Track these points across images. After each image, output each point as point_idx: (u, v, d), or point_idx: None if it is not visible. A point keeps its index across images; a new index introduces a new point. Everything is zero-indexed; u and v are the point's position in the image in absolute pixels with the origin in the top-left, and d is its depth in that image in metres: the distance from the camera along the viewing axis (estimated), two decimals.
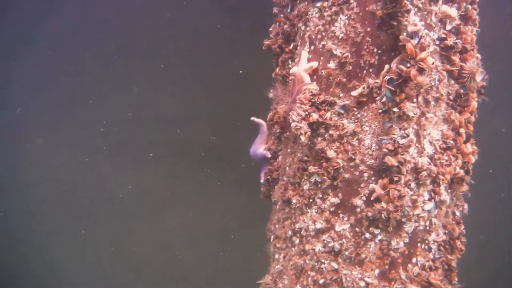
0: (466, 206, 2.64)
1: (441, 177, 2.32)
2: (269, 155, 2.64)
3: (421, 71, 2.12)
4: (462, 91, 2.42)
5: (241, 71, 4.50)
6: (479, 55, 2.51)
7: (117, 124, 4.75)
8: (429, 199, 2.33)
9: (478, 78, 2.39)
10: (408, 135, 2.22)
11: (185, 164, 4.77)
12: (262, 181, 2.70)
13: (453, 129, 2.43)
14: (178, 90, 4.65)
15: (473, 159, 2.48)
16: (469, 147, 2.50)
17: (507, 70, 4.41)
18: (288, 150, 2.52)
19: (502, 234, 4.79)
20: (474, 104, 2.50)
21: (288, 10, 2.55)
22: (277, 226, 2.62)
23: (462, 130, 2.45)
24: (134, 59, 4.66)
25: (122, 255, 4.85)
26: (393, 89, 2.15)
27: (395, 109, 2.17)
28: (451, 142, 2.40)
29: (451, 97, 2.41)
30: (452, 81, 2.41)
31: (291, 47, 2.55)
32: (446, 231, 2.50)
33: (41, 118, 4.89)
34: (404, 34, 2.14)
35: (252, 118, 2.74)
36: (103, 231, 4.87)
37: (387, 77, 2.17)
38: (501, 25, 4.25)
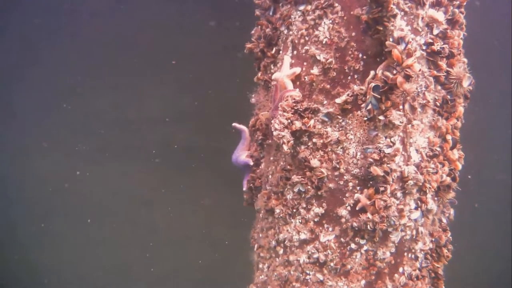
0: (452, 212, 2.58)
1: (427, 185, 2.24)
2: (252, 163, 2.54)
3: (407, 78, 2.03)
4: (448, 97, 2.34)
5: (226, 71, 4.39)
6: (465, 60, 2.43)
7: (102, 126, 4.61)
8: (416, 208, 2.26)
9: (465, 83, 2.31)
10: (394, 144, 2.14)
11: (171, 165, 4.66)
12: (244, 189, 2.60)
13: (439, 135, 2.36)
14: (163, 91, 4.53)
15: (459, 165, 2.41)
16: (455, 154, 2.42)
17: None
18: (271, 158, 2.43)
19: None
20: (460, 109, 2.43)
21: (271, 13, 2.44)
22: (260, 235, 2.53)
23: (449, 137, 2.38)
24: (119, 60, 4.52)
25: (107, 255, 4.74)
26: (379, 96, 2.06)
27: (381, 117, 2.09)
28: (438, 149, 2.32)
29: (437, 103, 2.33)
30: (439, 87, 2.33)
31: (273, 51, 2.44)
32: (433, 239, 2.44)
33: (27, 119, 4.74)
34: (390, 39, 2.05)
35: (233, 124, 2.64)
36: (88, 232, 4.75)
37: (372, 84, 2.08)
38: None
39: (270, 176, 2.42)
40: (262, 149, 2.53)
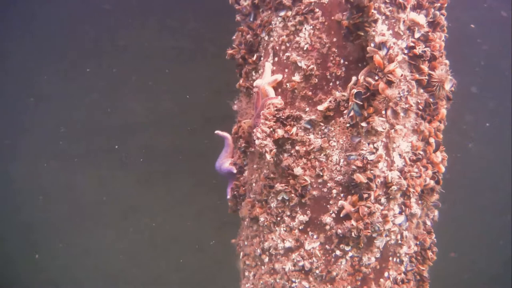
0: (436, 214, 2.56)
1: (411, 189, 2.21)
2: (235, 171, 2.49)
3: (389, 83, 1.98)
4: (431, 100, 2.31)
5: (206, 75, 4.29)
6: (447, 61, 2.40)
7: (83, 131, 4.49)
8: (400, 213, 2.23)
9: (447, 86, 2.27)
10: (377, 150, 2.10)
11: (153, 170, 4.57)
12: (228, 197, 2.55)
13: (422, 139, 2.33)
14: (144, 95, 4.42)
15: (443, 168, 2.39)
16: (438, 156, 2.40)
17: None
18: (254, 166, 2.37)
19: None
20: (443, 112, 2.40)
21: (251, 19, 2.37)
22: (246, 243, 2.48)
23: (432, 140, 2.35)
24: (99, 65, 4.40)
25: (92, 262, 4.64)
26: (361, 103, 2.02)
27: (364, 124, 2.04)
28: (421, 153, 2.30)
29: (420, 107, 2.29)
30: (421, 90, 2.29)
31: (254, 58, 2.37)
32: (418, 242, 2.42)
33: (6, 123, 4.60)
34: (372, 45, 2.00)
35: (216, 132, 2.58)
36: (71, 239, 4.64)
37: (354, 91, 2.03)
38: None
39: (253, 184, 2.37)
40: (246, 156, 2.48)
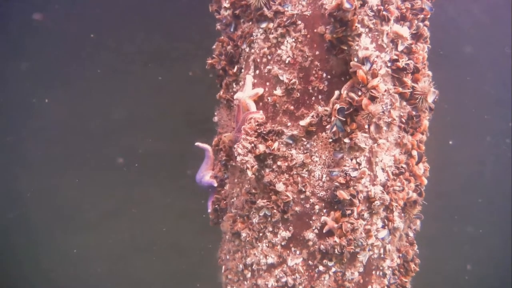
0: (418, 223, 2.51)
1: (394, 204, 2.16)
2: (216, 184, 2.39)
3: (373, 99, 1.91)
4: (414, 112, 2.24)
5: (190, 73, 4.18)
6: (430, 72, 2.34)
7: (64, 134, 4.33)
8: (383, 227, 2.17)
9: (430, 98, 2.21)
10: (360, 164, 2.03)
11: (135, 173, 4.45)
12: (209, 210, 2.46)
13: (405, 151, 2.27)
14: (126, 98, 4.29)
15: (425, 181, 2.33)
16: (421, 168, 2.35)
17: None
18: (235, 180, 2.29)
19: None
20: (425, 123, 2.34)
21: (232, 29, 2.27)
22: (227, 257, 2.40)
23: (414, 152, 2.29)
24: (80, 66, 4.24)
25: (73, 267, 4.51)
26: (344, 119, 1.95)
27: (346, 140, 1.97)
28: (404, 166, 2.24)
29: (403, 120, 2.23)
30: (404, 103, 2.23)
31: (235, 69, 2.27)
32: (400, 255, 2.37)
33: None
34: (355, 59, 1.93)
35: (196, 144, 2.48)
36: (50, 242, 4.50)
37: (337, 106, 1.96)
38: None
39: (235, 199, 2.28)
40: (227, 169, 2.39)
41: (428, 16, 2.30)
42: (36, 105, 4.34)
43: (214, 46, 2.42)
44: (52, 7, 4.02)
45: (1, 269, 4.52)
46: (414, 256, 2.42)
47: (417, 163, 2.33)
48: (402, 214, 2.30)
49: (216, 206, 2.41)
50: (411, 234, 2.44)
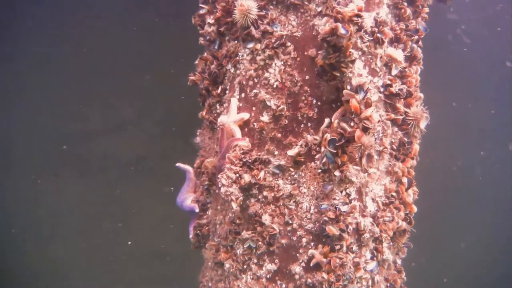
0: (405, 250, 2.39)
1: (383, 235, 2.01)
2: (197, 209, 2.21)
3: (365, 130, 1.75)
4: (405, 139, 2.10)
5: (172, 71, 3.93)
6: (421, 95, 2.20)
7: (43, 139, 4.07)
8: (372, 258, 2.03)
9: (422, 124, 2.07)
10: (349, 196, 1.88)
11: (114, 177, 4.23)
12: (191, 236, 2.27)
13: (395, 179, 2.13)
14: (105, 101, 4.04)
15: (415, 208, 2.20)
16: (410, 194, 2.21)
17: None
18: (219, 207, 2.11)
19: None
20: (416, 147, 2.19)
21: (216, 47, 2.06)
22: (210, 285, 2.23)
23: (405, 179, 2.15)
24: (60, 70, 3.97)
25: (53, 276, 4.27)
26: (335, 151, 1.79)
27: (337, 173, 1.81)
28: (394, 194, 2.10)
29: (394, 146, 2.08)
30: (396, 129, 2.08)
31: (219, 90, 2.07)
32: (388, 284, 2.24)
33: None
34: (348, 87, 1.76)
35: (177, 165, 2.29)
36: (31, 250, 4.26)
37: (327, 136, 1.79)
38: None
39: (218, 226, 2.11)
40: (209, 193, 2.20)
41: (422, 36, 2.14)
42: (15, 109, 4.06)
43: (196, 62, 2.21)
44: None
45: None
46: (402, 285, 2.30)
47: (406, 189, 2.19)
48: (391, 244, 2.17)
49: (198, 231, 2.23)
50: (399, 262, 2.31)
